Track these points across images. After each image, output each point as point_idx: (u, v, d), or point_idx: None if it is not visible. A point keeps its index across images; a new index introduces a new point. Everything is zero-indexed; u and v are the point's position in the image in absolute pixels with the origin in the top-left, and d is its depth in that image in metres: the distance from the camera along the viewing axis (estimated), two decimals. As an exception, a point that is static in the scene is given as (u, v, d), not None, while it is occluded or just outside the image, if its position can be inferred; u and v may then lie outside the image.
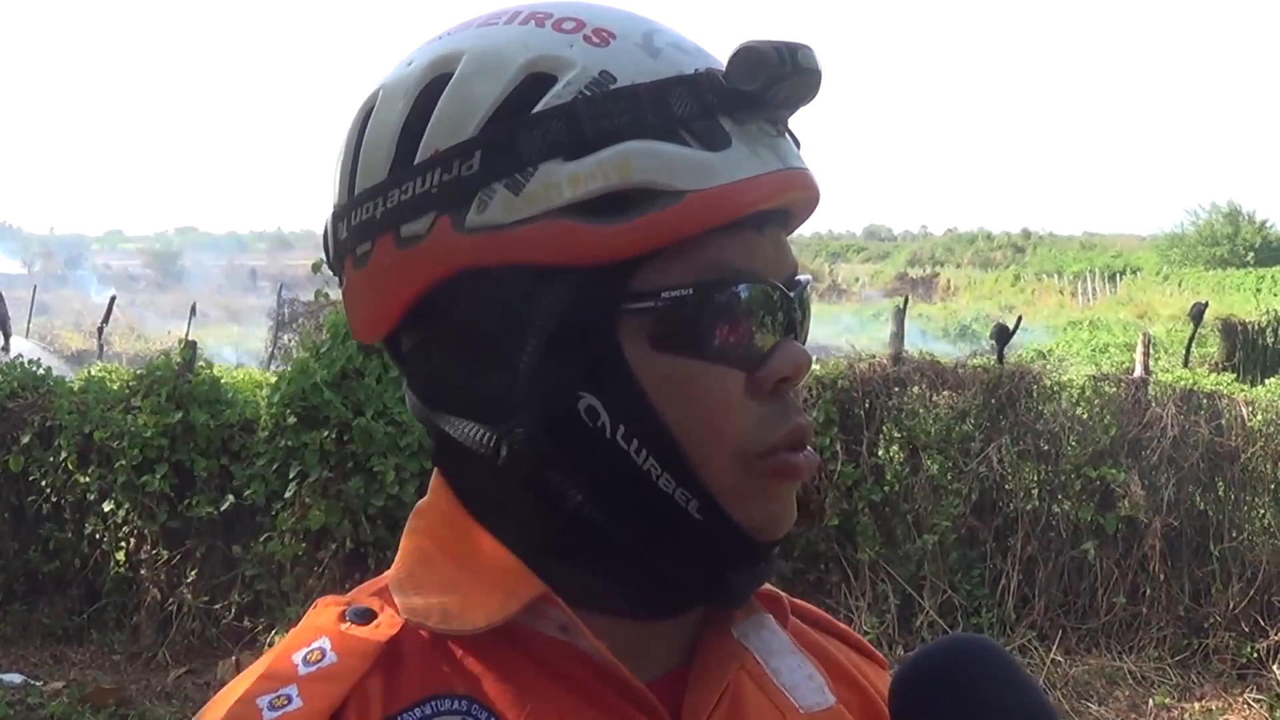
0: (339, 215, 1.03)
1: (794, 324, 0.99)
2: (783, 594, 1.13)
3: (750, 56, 0.93)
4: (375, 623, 0.99)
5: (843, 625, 1.22)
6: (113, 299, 20.73)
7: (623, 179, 0.91)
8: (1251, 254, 50.63)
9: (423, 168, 0.95)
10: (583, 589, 0.98)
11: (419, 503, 1.08)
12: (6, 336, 18.72)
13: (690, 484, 0.95)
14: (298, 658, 0.97)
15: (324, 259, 1.09)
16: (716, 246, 0.94)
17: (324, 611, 1.02)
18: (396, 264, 0.97)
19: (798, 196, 0.99)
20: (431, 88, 0.97)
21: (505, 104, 0.94)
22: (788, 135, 1.00)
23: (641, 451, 0.94)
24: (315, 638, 0.98)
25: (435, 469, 1.08)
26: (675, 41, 0.97)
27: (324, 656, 0.96)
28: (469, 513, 1.02)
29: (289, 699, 0.93)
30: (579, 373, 0.94)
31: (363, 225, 0.99)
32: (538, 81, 0.93)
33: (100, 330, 19.34)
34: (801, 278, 1.02)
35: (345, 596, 1.05)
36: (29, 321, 23.72)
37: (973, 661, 0.99)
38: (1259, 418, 8.84)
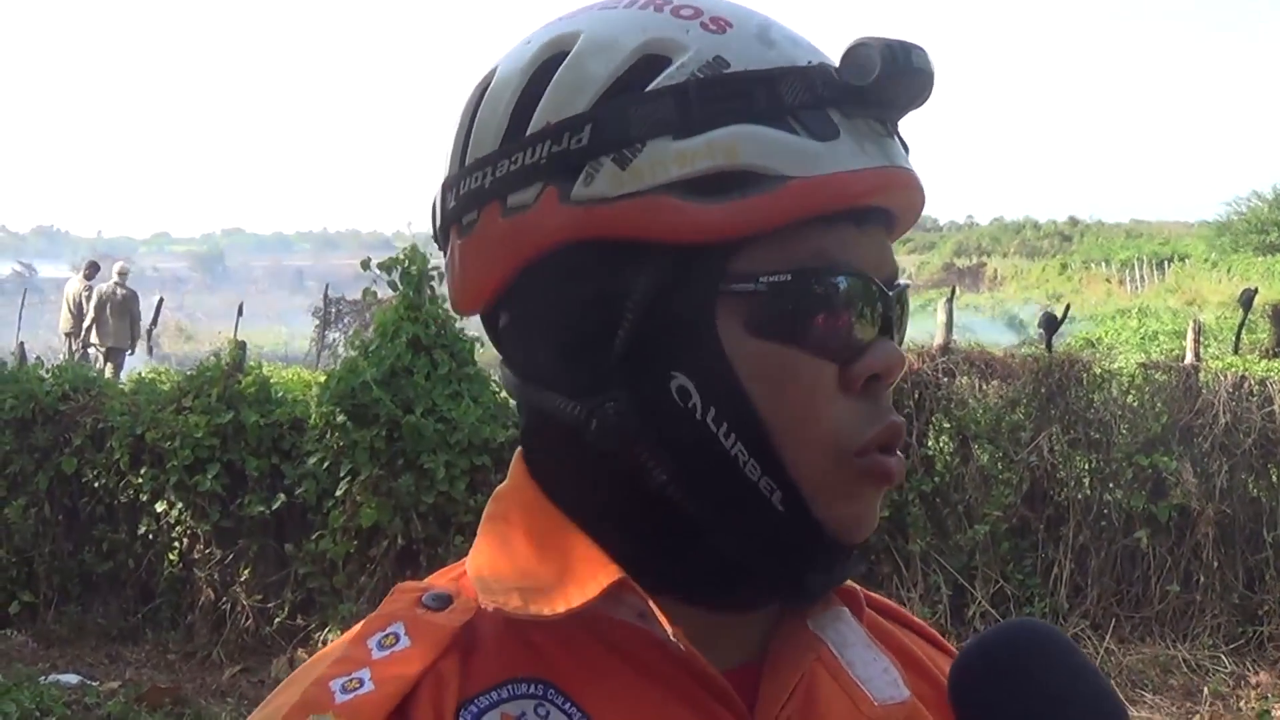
0: (448, 185, 1.03)
1: (890, 323, 0.98)
2: (858, 587, 1.12)
3: (863, 52, 0.93)
4: (451, 608, 0.99)
5: (915, 618, 1.22)
6: (160, 301, 20.85)
7: (729, 160, 0.91)
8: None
9: (533, 139, 0.96)
10: (660, 574, 0.97)
11: (499, 487, 1.08)
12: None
13: (776, 474, 0.94)
14: (372, 642, 0.97)
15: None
16: (817, 236, 0.94)
17: (401, 597, 1.03)
18: (501, 233, 0.98)
19: (901, 197, 0.99)
20: (548, 64, 0.98)
21: (618, 82, 0.94)
22: (897, 137, 0.99)
23: (730, 436, 0.94)
24: (390, 622, 0.99)
25: (516, 452, 1.08)
26: (790, 35, 0.98)
27: (398, 641, 0.96)
28: (548, 496, 1.02)
29: (361, 682, 0.93)
30: (673, 352, 0.94)
31: (471, 194, 1.00)
32: (652, 63, 0.94)
33: (149, 332, 19.46)
34: (902, 281, 1.01)
35: (423, 582, 1.05)
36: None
37: (1031, 647, 0.98)
38: (1313, 404, 8.73)
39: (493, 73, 1.02)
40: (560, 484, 1.02)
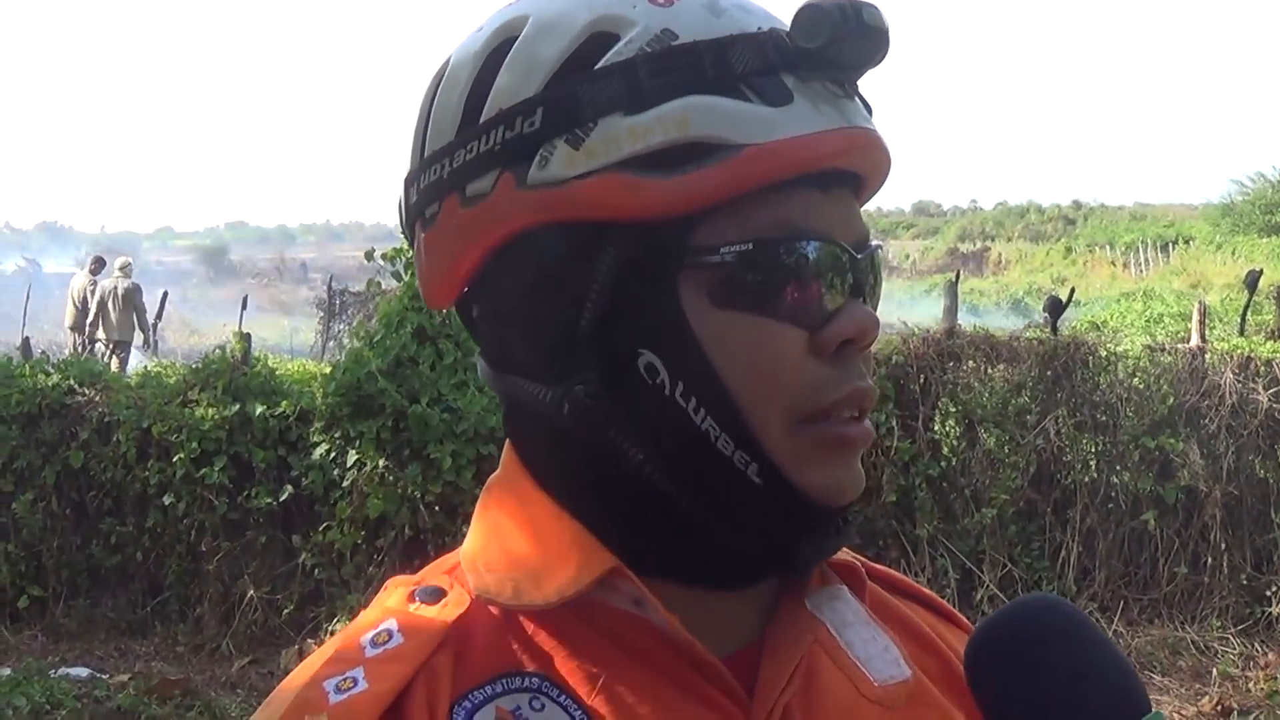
0: (410, 180, 1.03)
1: (861, 287, 0.97)
2: (859, 561, 1.11)
3: (813, 13, 0.92)
4: (444, 601, 0.99)
5: (922, 588, 1.20)
6: (165, 295, 20.84)
7: (682, 132, 0.90)
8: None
9: (487, 126, 0.95)
10: (651, 556, 0.97)
11: (491, 477, 1.07)
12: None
13: (749, 446, 0.93)
14: (365, 639, 0.97)
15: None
16: (778, 203, 0.93)
17: (394, 592, 1.03)
18: (462, 223, 0.98)
19: (863, 157, 0.97)
20: (498, 51, 0.97)
21: (568, 62, 0.94)
22: (857, 98, 0.98)
23: (700, 410, 0.93)
24: (383, 619, 0.99)
25: (507, 442, 1.07)
26: (740, 3, 0.96)
27: (391, 638, 0.96)
28: (537, 483, 1.02)
29: (355, 681, 0.93)
30: (638, 329, 0.94)
31: (430, 187, 1.00)
32: (601, 40, 0.93)
33: (154, 326, 19.46)
34: (873, 243, 1.00)
35: (416, 576, 1.05)
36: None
37: (1047, 622, 0.97)
38: (1319, 385, 8.73)
39: (447, 63, 1.02)
40: (547, 471, 1.02)
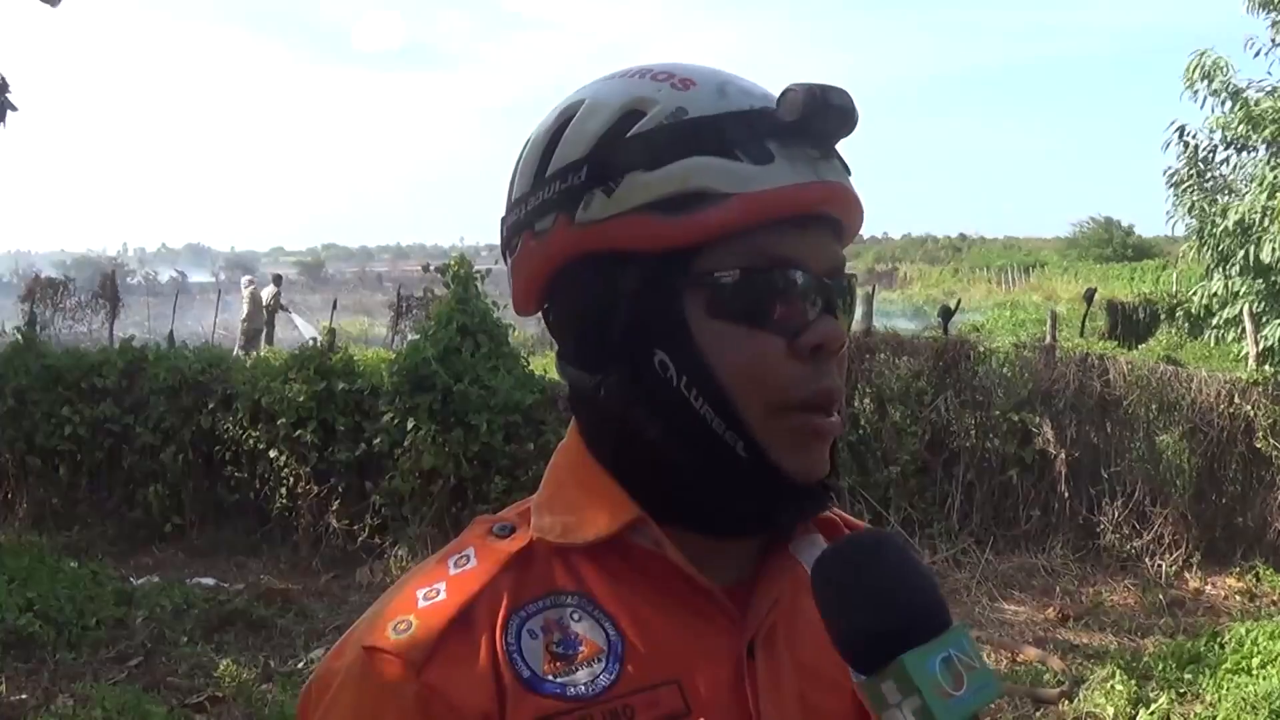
0: (503, 219, 1.04)
1: (832, 305, 0.97)
2: (838, 516, 1.11)
3: (792, 95, 0.94)
4: (513, 535, 1.00)
5: None
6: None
7: (685, 184, 0.92)
8: (1130, 250, 50.70)
9: (550, 180, 0.98)
10: (667, 509, 0.97)
11: (560, 442, 1.08)
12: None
13: (736, 427, 0.94)
14: (450, 561, 0.99)
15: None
16: (764, 239, 0.93)
17: (477, 526, 1.04)
18: (533, 252, 1.00)
19: (833, 205, 0.97)
20: (562, 125, 0.99)
21: (608, 132, 0.96)
22: (835, 159, 0.98)
23: (699, 398, 0.93)
24: (465, 546, 1.00)
25: (573, 417, 1.08)
26: (744, 89, 0.98)
27: (469, 561, 0.98)
28: (588, 449, 1.02)
29: (439, 592, 0.95)
30: (655, 334, 0.95)
31: (514, 224, 1.02)
32: (632, 115, 0.96)
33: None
34: (847, 273, 1.01)
35: (497, 515, 1.05)
36: (215, 317, 23.83)
37: (868, 547, 0.92)
38: (1135, 373, 8.82)
39: (531, 134, 1.04)
40: (594, 440, 1.02)
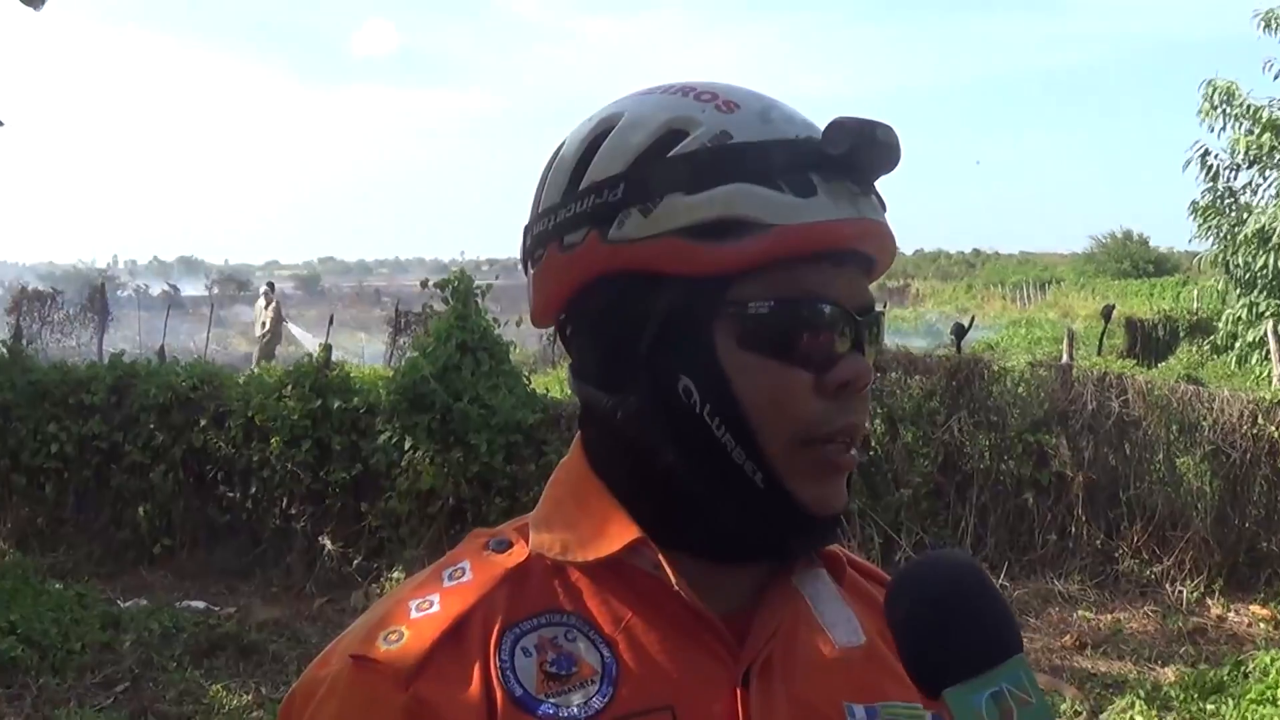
0: (528, 228, 1.05)
1: (861, 342, 0.97)
2: (842, 552, 1.11)
3: (838, 128, 0.94)
4: (510, 551, 1.01)
5: (886, 575, 1.18)
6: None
7: (726, 211, 0.92)
8: (1150, 265, 50.69)
9: (584, 193, 0.98)
10: (672, 534, 0.97)
11: (562, 459, 1.08)
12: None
13: (757, 459, 0.94)
14: (445, 574, 0.99)
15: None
16: (800, 273, 0.94)
17: (473, 540, 1.04)
18: (560, 265, 0.99)
19: (869, 242, 0.98)
20: (600, 137, 0.99)
21: (648, 150, 0.96)
22: (874, 195, 0.99)
23: (721, 427, 0.94)
24: (461, 559, 1.01)
25: (578, 433, 1.08)
26: (788, 115, 0.98)
27: (464, 574, 0.99)
28: (592, 467, 1.03)
29: (431, 604, 0.96)
30: (681, 360, 0.95)
31: (540, 234, 1.02)
32: (674, 135, 0.95)
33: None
34: (876, 310, 1.01)
35: (494, 530, 1.06)
36: (209, 332, 23.88)
37: (944, 571, 0.95)
38: (1155, 393, 8.80)
39: (564, 142, 1.04)
40: (600, 460, 1.03)
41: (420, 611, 0.95)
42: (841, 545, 1.15)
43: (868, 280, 1.01)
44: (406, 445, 8.44)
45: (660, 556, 0.96)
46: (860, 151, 0.94)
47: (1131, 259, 51.90)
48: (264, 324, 19.74)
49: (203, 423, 9.18)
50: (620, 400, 0.98)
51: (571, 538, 0.99)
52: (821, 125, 0.97)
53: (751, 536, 0.98)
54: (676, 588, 0.96)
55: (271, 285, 21.61)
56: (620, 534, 0.97)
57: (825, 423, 0.95)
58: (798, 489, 0.95)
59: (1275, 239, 11.77)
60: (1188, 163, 12.67)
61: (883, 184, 1.00)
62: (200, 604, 8.14)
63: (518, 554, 1.00)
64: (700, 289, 0.93)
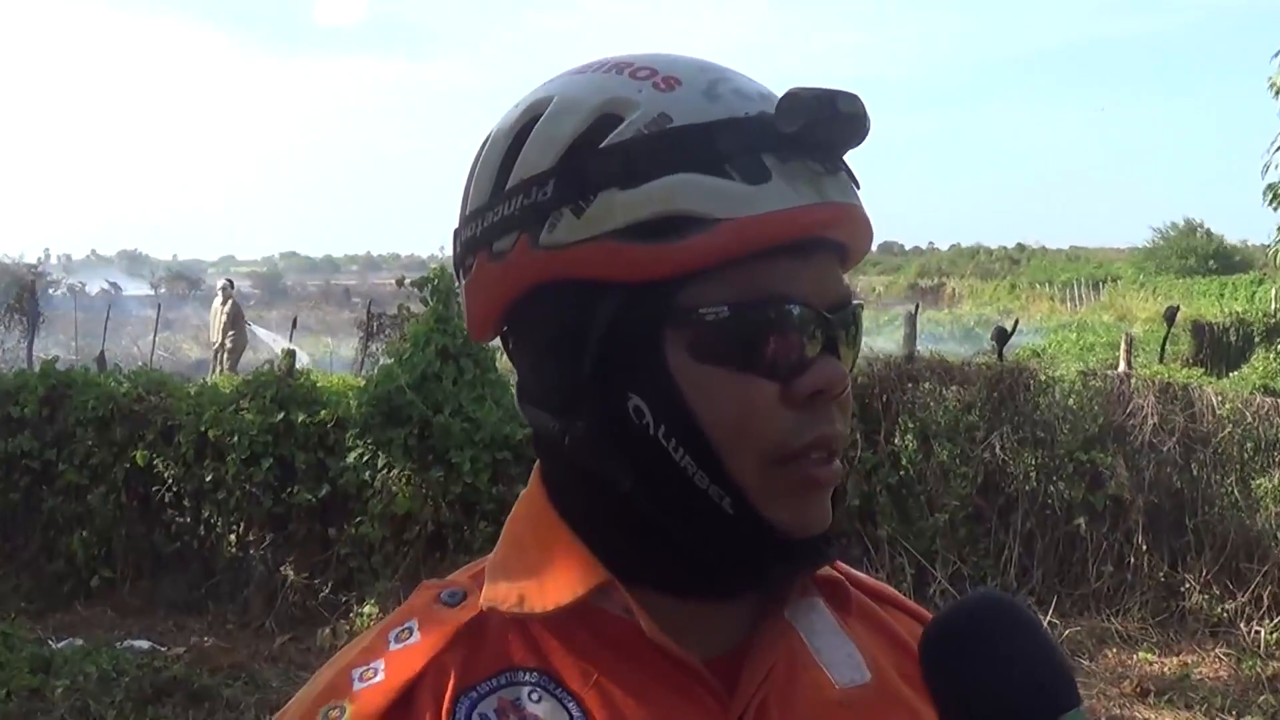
0: (456, 234, 1.04)
1: (834, 343, 0.96)
2: (844, 575, 1.11)
3: (792, 102, 0.92)
4: (464, 604, 1.00)
5: (909, 601, 1.19)
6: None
7: (667, 206, 0.91)
8: (1212, 261, 50.61)
9: (511, 193, 0.97)
10: (641, 572, 0.97)
11: (523, 490, 1.08)
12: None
13: (722, 481, 0.93)
14: (390, 635, 0.99)
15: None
16: (757, 270, 0.92)
17: (423, 593, 1.04)
18: (489, 276, 0.99)
19: (839, 229, 0.97)
20: (526, 126, 0.98)
21: (578, 140, 0.94)
22: (842, 173, 0.97)
23: (679, 450, 0.93)
24: (408, 618, 1.00)
25: (536, 463, 1.08)
26: (739, 89, 0.96)
27: (411, 634, 0.98)
28: (552, 502, 1.03)
29: (376, 671, 0.95)
30: (629, 376, 0.94)
31: (468, 242, 1.01)
32: (608, 121, 0.94)
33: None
34: (854, 302, 1.00)
35: (446, 579, 1.05)
36: (155, 335, 23.89)
37: (991, 615, 0.96)
38: (1227, 406, 8.80)
39: (490, 134, 1.03)
40: (557, 491, 1.03)
41: (364, 681, 0.95)
42: (851, 566, 1.15)
43: (842, 270, 1.00)
44: (380, 463, 8.45)
45: (630, 598, 0.96)
46: (820, 127, 0.92)
47: (1198, 254, 51.81)
48: (220, 328, 19.68)
49: (148, 438, 9.19)
50: (567, 424, 0.97)
51: (530, 584, 0.98)
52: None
53: (726, 568, 0.98)
54: (650, 633, 0.95)
55: (231, 283, 21.49)
56: (583, 577, 0.97)
57: (796, 436, 0.94)
58: (772, 511, 0.94)
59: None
60: (1266, 167, 12.67)
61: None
62: (144, 643, 8.12)
63: (472, 607, 1.00)
64: (644, 296, 0.93)
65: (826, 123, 0.92)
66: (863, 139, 0.96)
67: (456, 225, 1.05)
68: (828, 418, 0.95)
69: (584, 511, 1.00)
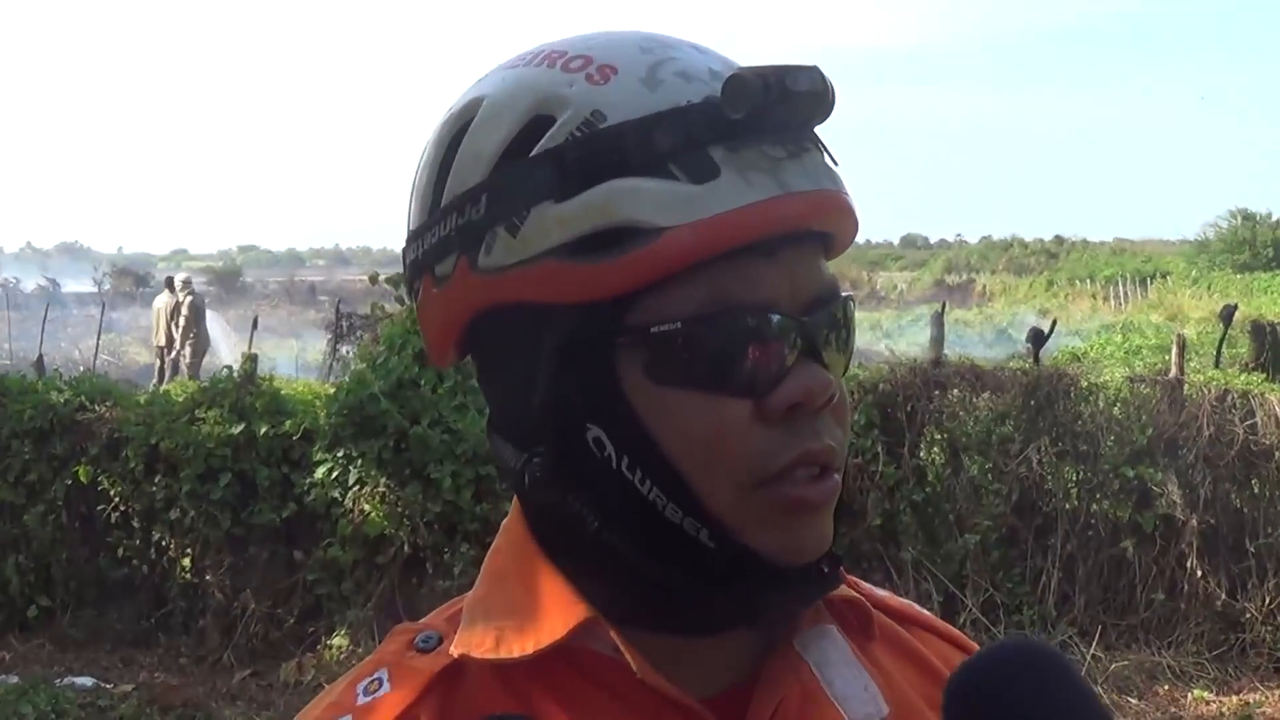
0: (403, 253, 1.04)
1: (814, 347, 0.94)
2: (865, 596, 1.10)
3: (735, 85, 0.90)
4: (439, 649, 1.00)
5: (933, 618, 1.19)
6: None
7: (605, 218, 0.90)
8: (1270, 250, 50.54)
9: (446, 211, 0.97)
10: (625, 609, 0.97)
11: (504, 521, 1.08)
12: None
13: (697, 513, 0.92)
14: (360, 687, 0.99)
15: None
16: (713, 278, 0.91)
17: (395, 639, 1.04)
18: (434, 302, 1.00)
19: (809, 218, 0.94)
20: (457, 136, 0.98)
21: (510, 148, 0.94)
22: (810, 152, 0.95)
23: (645, 482, 0.92)
24: (378, 668, 1.00)
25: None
26: (684, 70, 0.94)
27: (380, 686, 0.98)
28: (531, 535, 1.02)
29: None
30: (585, 405, 0.93)
31: (412, 264, 1.02)
32: (539, 123, 0.93)
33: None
34: (842, 294, 0.98)
35: (421, 622, 1.06)
36: (98, 337, 23.87)
37: (1019, 672, 0.92)
38: (1292, 417, 8.73)
39: (426, 141, 1.03)
40: (536, 525, 1.03)
41: None
42: (869, 583, 1.15)
43: (822, 260, 0.99)
44: (351, 479, 8.45)
45: (618, 636, 0.96)
46: (770, 110, 0.91)
47: (1257, 246, 51.77)
48: (180, 329, 19.63)
49: (92, 452, 9.19)
50: (528, 459, 0.97)
51: (509, 625, 0.98)
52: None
53: (712, 605, 0.97)
54: (641, 672, 0.95)
55: (189, 280, 21.43)
56: (565, 616, 0.96)
57: (775, 457, 0.92)
58: (758, 539, 0.93)
59: None
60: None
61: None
62: (88, 680, 8.15)
63: (447, 652, 1.00)
64: (592, 317, 0.92)
65: (778, 104, 0.91)
66: (825, 116, 0.95)
67: (403, 244, 1.05)
68: (812, 431, 0.94)
69: (563, 548, 0.99)
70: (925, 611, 1.20)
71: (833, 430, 0.95)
